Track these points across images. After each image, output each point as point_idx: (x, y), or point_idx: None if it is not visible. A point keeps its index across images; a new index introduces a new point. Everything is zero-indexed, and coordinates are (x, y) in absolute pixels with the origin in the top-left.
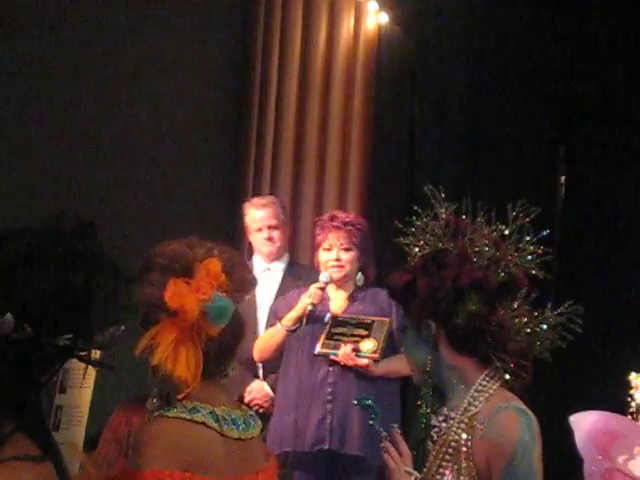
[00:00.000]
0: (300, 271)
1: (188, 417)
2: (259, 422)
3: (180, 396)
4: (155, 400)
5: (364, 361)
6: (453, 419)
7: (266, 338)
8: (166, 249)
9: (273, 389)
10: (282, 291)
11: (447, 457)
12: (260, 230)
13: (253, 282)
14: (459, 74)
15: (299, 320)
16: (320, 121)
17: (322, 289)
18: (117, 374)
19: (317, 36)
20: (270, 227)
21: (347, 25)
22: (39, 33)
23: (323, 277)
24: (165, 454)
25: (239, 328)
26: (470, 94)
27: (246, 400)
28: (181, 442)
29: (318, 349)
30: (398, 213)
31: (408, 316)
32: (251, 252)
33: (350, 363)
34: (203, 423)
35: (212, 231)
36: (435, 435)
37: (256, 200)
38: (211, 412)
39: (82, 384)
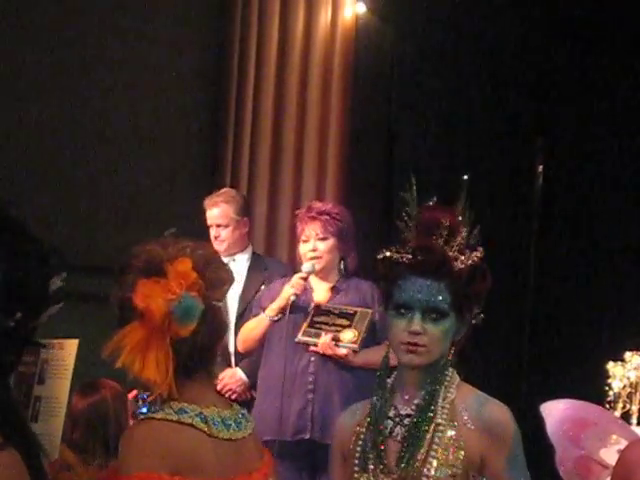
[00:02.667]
0: (265, 262)
1: (175, 419)
2: (251, 420)
3: (153, 396)
4: (140, 402)
5: (342, 351)
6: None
7: (250, 328)
8: (139, 250)
9: (247, 374)
10: (249, 282)
11: (434, 446)
12: (211, 227)
13: (228, 280)
14: (437, 64)
15: (282, 310)
16: (298, 111)
17: (305, 279)
18: (95, 365)
19: (294, 25)
20: (219, 226)
21: (324, 15)
22: (14, 37)
23: (306, 267)
24: (153, 457)
25: (217, 327)
26: (448, 84)
27: (219, 387)
28: (169, 445)
29: (299, 337)
30: (377, 203)
31: (462, 304)
32: None
33: (329, 352)
34: (191, 425)
35: (189, 228)
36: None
37: (209, 198)
38: (199, 413)
39: (60, 375)
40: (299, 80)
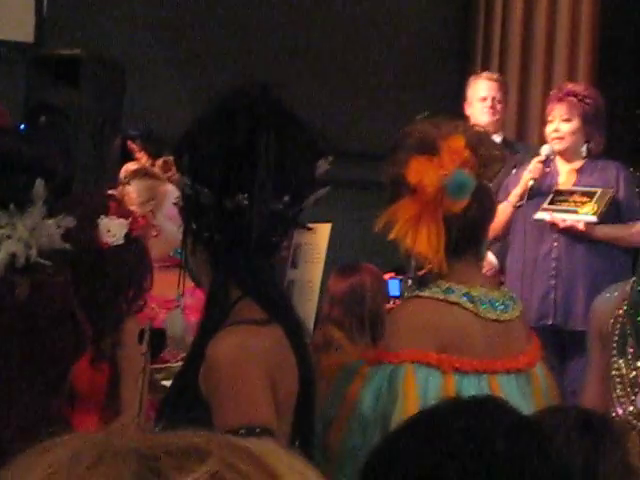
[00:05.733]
0: (516, 147)
1: (442, 297)
2: (520, 304)
3: (423, 272)
4: (410, 281)
5: (580, 224)
6: None
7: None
8: (412, 129)
9: (497, 258)
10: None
11: None
12: (484, 99)
13: (500, 158)
14: None
15: (523, 196)
16: None
17: (543, 162)
18: (346, 250)
19: None
20: (494, 98)
21: None
22: None
23: (544, 150)
24: (421, 334)
25: (487, 206)
26: None
27: None
28: (435, 322)
29: (536, 215)
30: (629, 84)
31: None
32: None
33: (562, 225)
34: (458, 304)
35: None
36: None
37: (486, 73)
38: (466, 293)
39: (313, 259)
40: None
